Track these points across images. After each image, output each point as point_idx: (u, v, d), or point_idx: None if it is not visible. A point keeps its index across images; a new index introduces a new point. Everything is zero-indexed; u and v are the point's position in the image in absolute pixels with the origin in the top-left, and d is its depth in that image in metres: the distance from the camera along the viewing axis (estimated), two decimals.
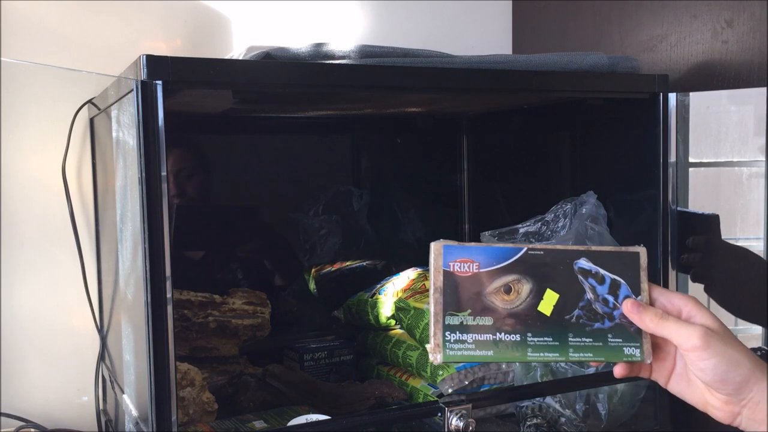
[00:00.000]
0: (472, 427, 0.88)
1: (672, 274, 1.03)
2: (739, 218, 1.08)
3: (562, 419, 1.02)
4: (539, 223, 1.10)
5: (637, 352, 0.71)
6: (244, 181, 1.34)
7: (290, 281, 1.37)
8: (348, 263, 1.40)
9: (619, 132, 1.12)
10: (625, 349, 0.71)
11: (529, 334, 0.69)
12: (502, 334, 0.69)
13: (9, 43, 1.13)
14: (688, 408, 0.71)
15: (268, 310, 1.18)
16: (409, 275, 1.24)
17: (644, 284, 0.71)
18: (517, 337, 0.69)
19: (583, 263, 0.71)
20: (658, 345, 0.71)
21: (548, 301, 0.70)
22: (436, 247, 0.69)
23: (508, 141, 1.40)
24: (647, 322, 0.69)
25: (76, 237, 1.12)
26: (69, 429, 1.15)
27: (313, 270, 1.38)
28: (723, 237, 1.05)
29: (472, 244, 0.70)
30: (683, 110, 1.04)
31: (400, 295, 1.19)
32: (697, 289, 1.06)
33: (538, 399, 1.03)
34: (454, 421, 0.88)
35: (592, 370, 1.02)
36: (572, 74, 1.00)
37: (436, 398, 1.04)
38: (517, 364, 1.05)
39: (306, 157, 1.38)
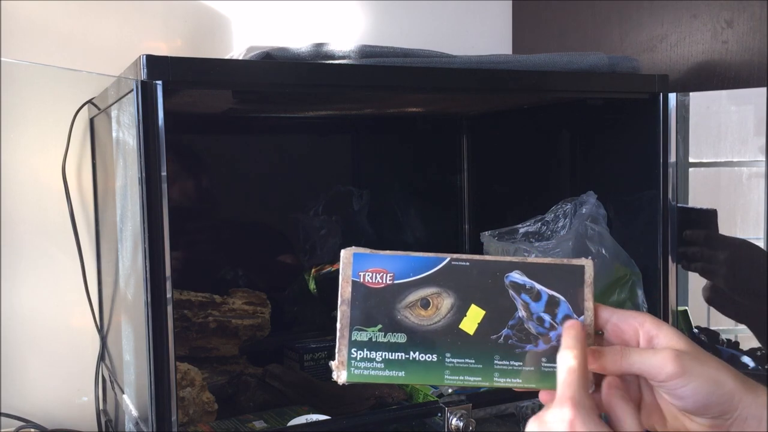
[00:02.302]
0: (472, 427, 0.88)
1: (672, 275, 1.03)
2: (739, 218, 1.08)
3: None
4: (539, 223, 1.10)
5: None
6: (244, 181, 1.34)
7: (290, 281, 1.37)
8: None
9: (619, 132, 1.12)
10: None
11: (448, 355, 0.61)
12: (417, 353, 0.61)
13: (9, 43, 1.13)
14: None
15: (268, 310, 1.18)
16: None
17: (588, 302, 0.61)
18: (434, 358, 0.61)
19: (516, 276, 0.62)
20: None
21: (472, 319, 0.62)
22: (345, 255, 0.62)
23: (508, 141, 1.40)
24: (610, 366, 0.58)
25: (76, 237, 1.12)
26: (69, 429, 1.15)
27: (313, 270, 1.38)
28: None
29: (387, 252, 0.62)
30: (683, 110, 1.04)
31: None
32: (696, 285, 1.06)
33: (538, 399, 1.02)
34: (454, 421, 0.88)
35: None
36: (572, 74, 1.00)
37: (436, 398, 1.04)
38: None
39: (306, 157, 1.38)
